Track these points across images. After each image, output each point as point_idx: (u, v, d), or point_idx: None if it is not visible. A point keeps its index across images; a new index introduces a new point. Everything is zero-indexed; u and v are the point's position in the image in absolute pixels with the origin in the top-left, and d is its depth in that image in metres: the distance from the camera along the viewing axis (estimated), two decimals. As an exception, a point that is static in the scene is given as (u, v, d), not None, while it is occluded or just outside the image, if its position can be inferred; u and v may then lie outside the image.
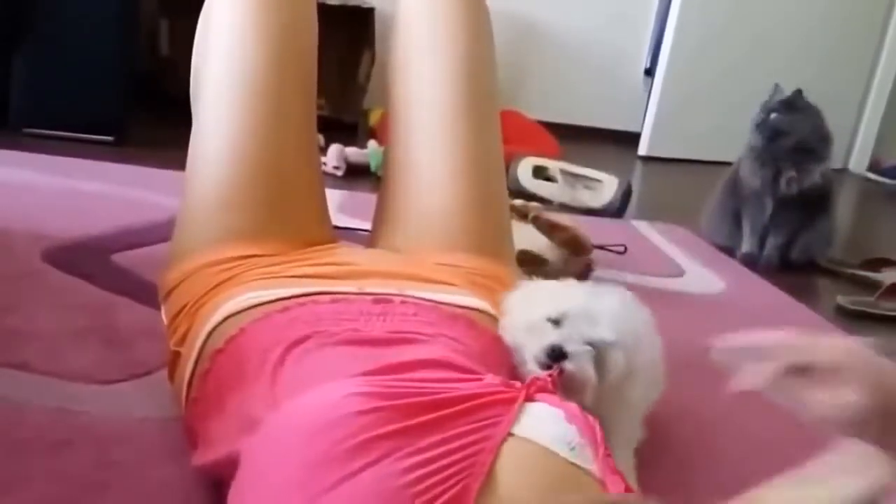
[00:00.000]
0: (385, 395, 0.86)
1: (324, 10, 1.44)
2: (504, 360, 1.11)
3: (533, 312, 1.12)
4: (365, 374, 0.92)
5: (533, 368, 1.07)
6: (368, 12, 3.50)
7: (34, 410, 1.24)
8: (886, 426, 0.78)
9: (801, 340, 0.82)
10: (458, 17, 1.44)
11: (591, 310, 1.11)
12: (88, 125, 2.76)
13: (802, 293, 2.43)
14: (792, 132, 2.64)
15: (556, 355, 1.06)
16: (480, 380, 0.95)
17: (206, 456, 1.00)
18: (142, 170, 2.50)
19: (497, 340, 1.14)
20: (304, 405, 0.88)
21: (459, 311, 1.15)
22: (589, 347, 1.07)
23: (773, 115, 2.66)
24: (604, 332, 1.09)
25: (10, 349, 1.40)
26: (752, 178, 2.71)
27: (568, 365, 1.06)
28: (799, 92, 2.66)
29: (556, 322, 1.10)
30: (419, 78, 1.43)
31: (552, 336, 1.08)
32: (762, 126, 2.67)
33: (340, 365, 0.95)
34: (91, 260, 1.82)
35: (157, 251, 1.76)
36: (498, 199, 1.43)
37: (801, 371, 0.80)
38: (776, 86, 2.70)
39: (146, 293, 1.58)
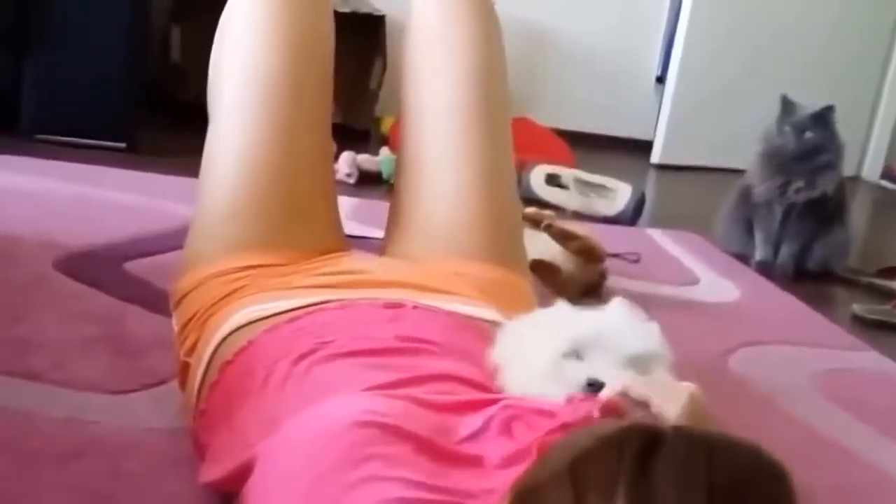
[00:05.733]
0: (392, 409, 0.85)
1: (335, 18, 1.44)
2: None
3: (540, 356, 0.97)
4: (372, 388, 0.91)
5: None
6: (379, 20, 3.50)
7: (43, 420, 1.24)
8: None
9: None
10: (469, 26, 1.43)
11: (605, 328, 0.98)
12: (100, 132, 2.76)
13: (818, 302, 2.41)
14: (786, 139, 2.63)
15: (598, 390, 0.91)
16: (491, 395, 0.93)
17: (214, 472, 0.99)
18: (153, 177, 2.50)
19: None
20: (308, 420, 0.87)
21: (470, 321, 1.14)
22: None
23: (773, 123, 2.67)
24: (631, 348, 0.96)
25: (19, 358, 1.39)
26: (760, 185, 2.70)
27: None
28: (784, 97, 2.65)
29: (576, 355, 0.96)
30: (431, 87, 1.42)
31: (580, 372, 0.94)
32: (763, 134, 2.68)
33: (348, 378, 0.94)
34: (102, 268, 1.81)
35: (168, 259, 1.76)
36: (510, 208, 1.43)
37: None
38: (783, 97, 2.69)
39: (157, 302, 1.57)
